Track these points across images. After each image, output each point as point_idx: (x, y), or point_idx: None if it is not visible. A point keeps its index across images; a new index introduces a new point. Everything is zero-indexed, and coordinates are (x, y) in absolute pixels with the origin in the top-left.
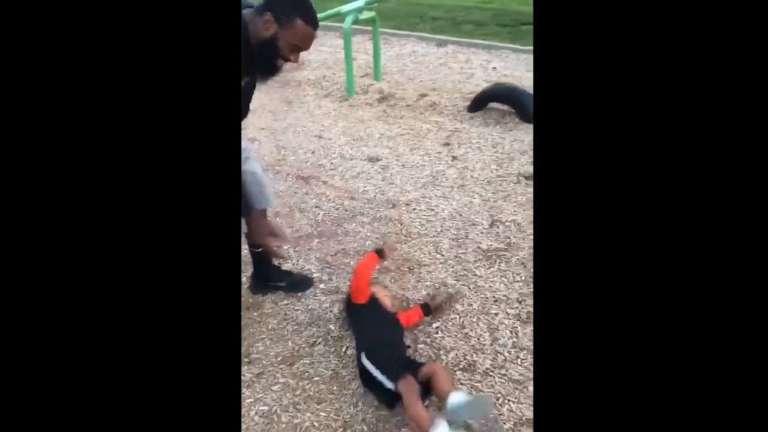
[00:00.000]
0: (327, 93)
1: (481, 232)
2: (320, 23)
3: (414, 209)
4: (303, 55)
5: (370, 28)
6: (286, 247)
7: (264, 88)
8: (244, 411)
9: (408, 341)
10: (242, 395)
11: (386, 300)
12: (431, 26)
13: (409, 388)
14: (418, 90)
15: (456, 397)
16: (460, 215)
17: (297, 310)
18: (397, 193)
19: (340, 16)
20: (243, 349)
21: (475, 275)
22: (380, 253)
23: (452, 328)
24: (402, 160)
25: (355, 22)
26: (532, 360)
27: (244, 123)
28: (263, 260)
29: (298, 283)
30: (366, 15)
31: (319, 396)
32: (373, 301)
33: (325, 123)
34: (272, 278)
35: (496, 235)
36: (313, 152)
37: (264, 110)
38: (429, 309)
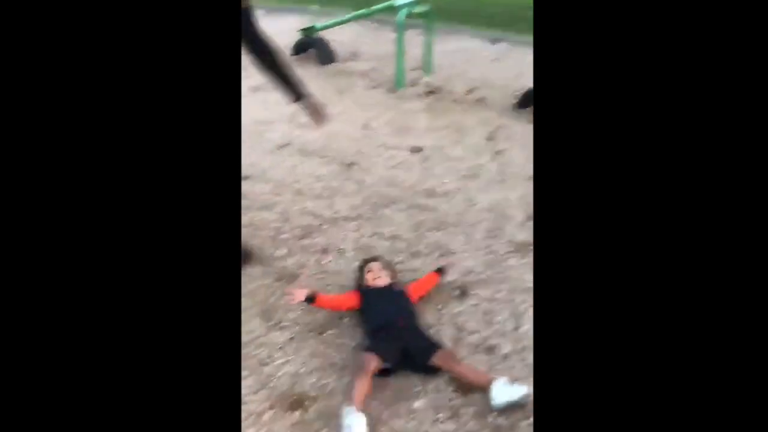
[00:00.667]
0: (376, 84)
1: (517, 226)
2: (374, 16)
3: (451, 199)
4: (356, 47)
5: (423, 21)
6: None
7: (317, 78)
8: (272, 371)
9: (431, 319)
10: (273, 357)
11: (382, 281)
12: (486, 23)
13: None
14: (467, 85)
15: (501, 395)
16: (497, 208)
17: (329, 285)
18: (435, 184)
19: (394, 10)
20: (276, 317)
21: (505, 266)
22: (441, 271)
23: (476, 313)
24: (444, 152)
25: (409, 15)
26: None
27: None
28: None
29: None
30: (420, 8)
31: (343, 363)
32: (386, 287)
33: (372, 113)
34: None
35: (531, 229)
36: (357, 140)
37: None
38: (443, 272)
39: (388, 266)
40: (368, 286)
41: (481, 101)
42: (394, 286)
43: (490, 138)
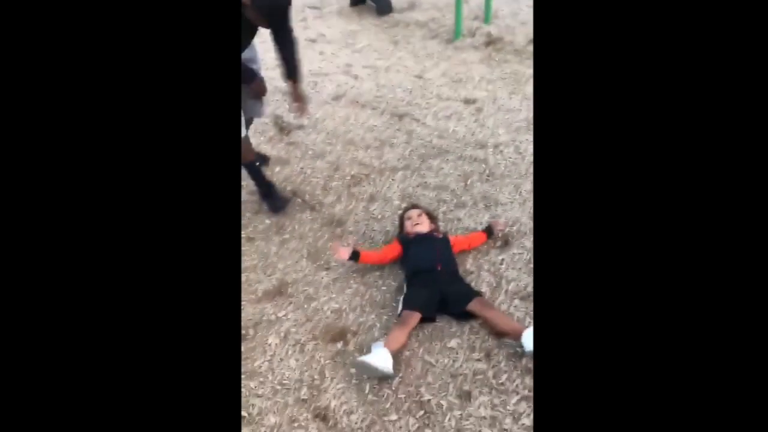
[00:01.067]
0: (434, 35)
1: None
2: None
3: (501, 151)
4: None
5: None
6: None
7: (373, 29)
8: (318, 306)
9: (470, 267)
10: (319, 294)
11: (422, 227)
12: None
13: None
14: (528, 35)
15: (531, 342)
16: None
17: (374, 230)
18: (487, 135)
19: None
20: (323, 258)
21: None
22: (489, 231)
23: (518, 262)
24: (498, 104)
25: None
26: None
27: (350, 60)
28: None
29: (275, 201)
30: None
31: (384, 303)
32: (426, 234)
33: (427, 64)
34: (260, 194)
35: None
36: (410, 91)
37: (370, 49)
38: (492, 231)
39: (429, 214)
40: (408, 234)
41: None
42: (435, 233)
43: None
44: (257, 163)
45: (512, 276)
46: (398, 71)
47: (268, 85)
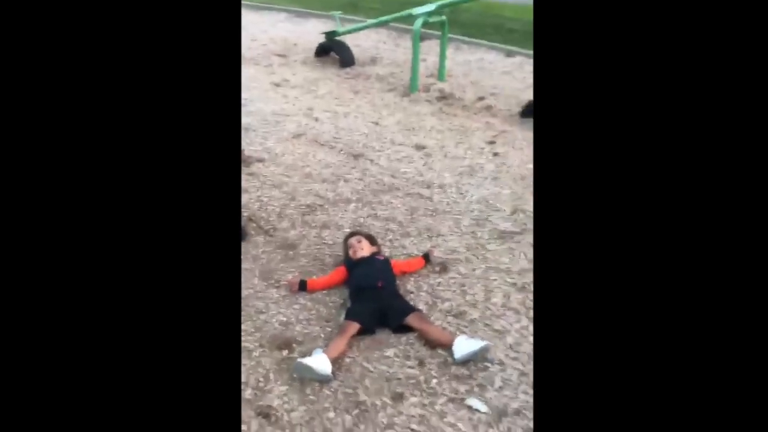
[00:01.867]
0: (392, 88)
1: (502, 218)
2: (396, 24)
3: (445, 191)
4: (376, 52)
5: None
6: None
7: (335, 79)
8: (267, 318)
9: (410, 287)
10: (268, 308)
11: (363, 252)
12: (505, 38)
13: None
14: (477, 93)
15: (462, 348)
16: (487, 201)
17: (326, 254)
18: (433, 177)
19: (412, 19)
20: (274, 277)
21: (485, 249)
22: (426, 258)
23: (453, 285)
24: (446, 151)
25: (426, 24)
26: (515, 318)
27: (312, 104)
28: None
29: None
30: (436, 18)
31: (329, 317)
32: (368, 257)
33: (383, 113)
34: None
35: (515, 221)
36: (366, 135)
37: (331, 96)
38: (428, 257)
39: (369, 238)
40: (352, 259)
41: (488, 109)
42: (377, 256)
43: (491, 141)
44: None
45: (447, 296)
46: (356, 117)
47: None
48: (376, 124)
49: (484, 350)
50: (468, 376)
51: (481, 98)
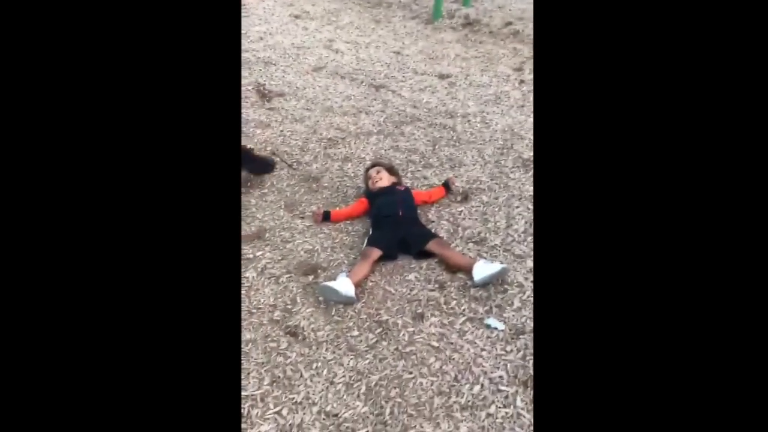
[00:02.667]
0: (415, 15)
1: (527, 146)
2: None
3: (469, 121)
4: None
5: None
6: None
7: (356, 8)
8: (293, 247)
9: (431, 216)
10: (294, 238)
11: (383, 182)
12: None
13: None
14: (505, 18)
15: (481, 271)
16: (512, 130)
17: (348, 186)
18: (457, 107)
19: None
20: (299, 209)
21: (509, 177)
22: (447, 186)
23: (475, 213)
24: (470, 80)
25: None
26: (533, 241)
27: (332, 35)
28: None
29: (262, 165)
30: None
31: (352, 245)
32: (388, 187)
33: (406, 42)
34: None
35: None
36: (388, 65)
37: (352, 26)
38: (449, 186)
39: (389, 169)
40: (372, 190)
41: (516, 34)
42: (397, 186)
43: (518, 68)
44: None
45: (468, 224)
46: (378, 47)
47: (251, 56)
48: (398, 53)
49: (502, 273)
50: (487, 298)
51: (508, 23)
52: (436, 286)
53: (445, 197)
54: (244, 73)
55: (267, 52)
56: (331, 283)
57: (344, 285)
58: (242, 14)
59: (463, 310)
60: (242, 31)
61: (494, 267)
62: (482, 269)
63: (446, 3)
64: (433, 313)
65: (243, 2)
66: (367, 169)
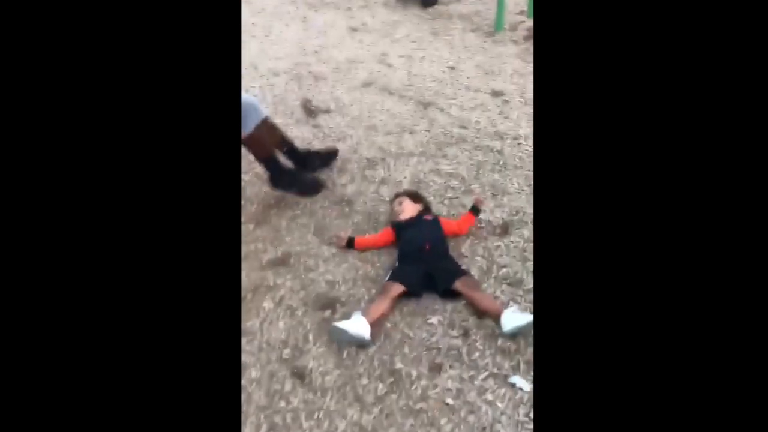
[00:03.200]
0: (475, 27)
1: None
2: None
3: (519, 144)
4: None
5: None
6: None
7: (415, 20)
8: (315, 276)
9: (464, 251)
10: (318, 266)
11: (408, 213)
12: None
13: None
14: None
15: (510, 321)
16: None
17: (381, 211)
18: (508, 127)
19: None
20: (327, 234)
21: None
22: (475, 211)
23: (513, 250)
24: (526, 97)
25: None
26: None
27: (387, 49)
28: (275, 167)
29: (308, 187)
30: None
31: (376, 278)
32: (413, 217)
33: (462, 55)
34: (282, 184)
35: None
36: (440, 81)
37: (408, 39)
38: (477, 209)
39: (413, 197)
40: (398, 220)
41: None
42: (425, 216)
43: None
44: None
45: (504, 262)
46: (432, 62)
47: (303, 71)
48: (453, 68)
49: (531, 324)
50: (515, 351)
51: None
52: (461, 332)
53: (475, 225)
54: (294, 87)
55: (319, 67)
56: (341, 324)
57: (357, 325)
58: (301, 27)
59: (486, 363)
60: (299, 45)
61: (525, 317)
62: (512, 319)
63: (510, 15)
64: (453, 364)
65: (304, 16)
66: (391, 200)
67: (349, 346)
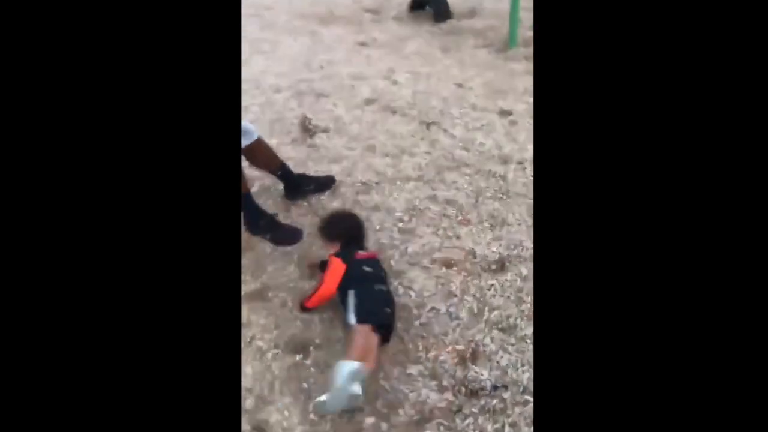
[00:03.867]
0: (488, 43)
1: None
2: None
3: (524, 168)
4: (477, 3)
5: None
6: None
7: (426, 36)
8: (291, 314)
9: (453, 289)
10: (294, 302)
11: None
12: None
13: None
14: None
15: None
16: None
17: (370, 240)
18: (514, 150)
19: None
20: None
21: None
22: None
23: (508, 289)
24: None
25: None
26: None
27: (394, 65)
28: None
29: (284, 237)
30: None
31: None
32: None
33: (471, 73)
34: (257, 229)
35: None
36: (446, 100)
37: (417, 55)
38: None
39: (325, 233)
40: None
41: None
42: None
43: None
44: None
45: (497, 303)
46: (439, 79)
47: (305, 87)
48: (460, 86)
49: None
50: (502, 411)
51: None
52: (441, 386)
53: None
54: (293, 105)
55: (322, 83)
56: (326, 396)
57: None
58: (309, 43)
59: (467, 425)
60: (304, 60)
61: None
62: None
63: (524, 30)
64: (432, 425)
65: (314, 30)
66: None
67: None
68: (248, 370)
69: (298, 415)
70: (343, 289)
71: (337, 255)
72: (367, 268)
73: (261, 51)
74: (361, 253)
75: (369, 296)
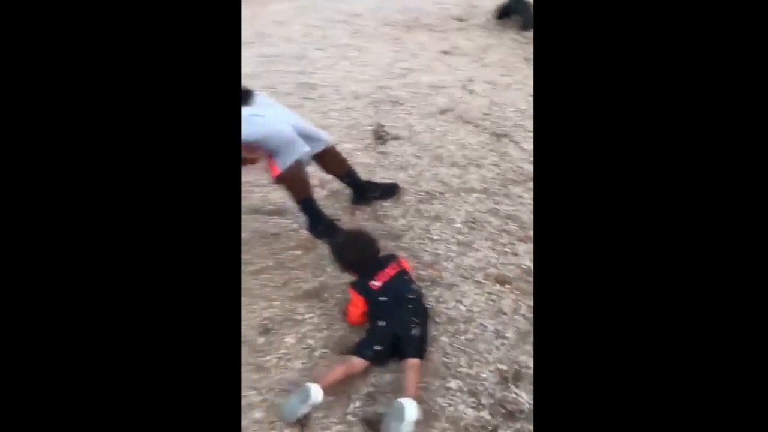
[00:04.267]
0: None
1: None
2: None
3: None
4: None
5: None
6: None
7: (510, 45)
8: (341, 314)
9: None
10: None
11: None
12: None
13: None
14: None
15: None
16: None
17: (426, 251)
18: None
19: None
20: None
21: None
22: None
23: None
24: None
25: None
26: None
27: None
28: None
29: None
30: None
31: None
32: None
33: None
34: (317, 232)
35: None
36: (522, 112)
37: (499, 65)
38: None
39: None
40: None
41: None
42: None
43: None
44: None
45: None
46: (518, 89)
47: (383, 95)
48: None
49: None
50: None
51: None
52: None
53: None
54: (370, 112)
55: (400, 91)
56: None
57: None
58: (393, 49)
59: None
60: (386, 68)
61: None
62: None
63: None
64: None
65: (398, 37)
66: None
67: (364, 405)
68: (297, 365)
69: (339, 413)
70: (371, 318)
71: (354, 286)
72: (382, 298)
73: (347, 57)
74: (376, 282)
75: (378, 331)
